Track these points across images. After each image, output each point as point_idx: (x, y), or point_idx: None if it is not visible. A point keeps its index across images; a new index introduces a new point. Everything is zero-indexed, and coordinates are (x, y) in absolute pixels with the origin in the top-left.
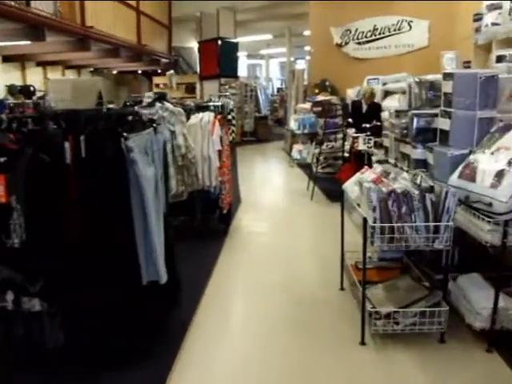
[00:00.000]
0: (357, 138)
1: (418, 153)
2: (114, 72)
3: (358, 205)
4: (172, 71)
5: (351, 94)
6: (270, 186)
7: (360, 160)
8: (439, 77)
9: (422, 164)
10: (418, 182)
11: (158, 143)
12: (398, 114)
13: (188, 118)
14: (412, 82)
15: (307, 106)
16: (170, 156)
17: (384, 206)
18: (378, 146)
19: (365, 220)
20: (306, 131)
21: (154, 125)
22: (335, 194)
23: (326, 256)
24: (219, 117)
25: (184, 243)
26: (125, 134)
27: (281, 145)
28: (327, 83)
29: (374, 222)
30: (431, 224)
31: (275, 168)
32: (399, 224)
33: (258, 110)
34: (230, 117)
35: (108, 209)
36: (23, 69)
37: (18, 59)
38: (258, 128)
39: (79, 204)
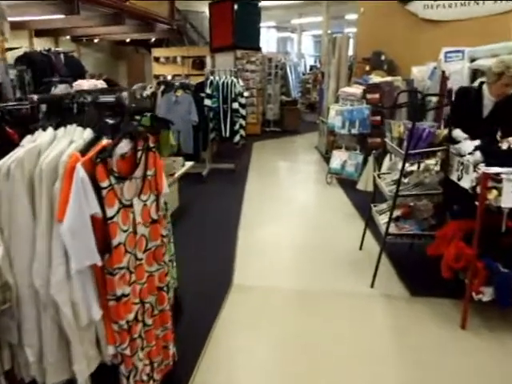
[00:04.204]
0: (498, 177)
1: None
2: (96, 40)
3: None
4: None
5: (419, 74)
6: (292, 234)
7: (494, 223)
8: None
9: None
10: None
11: None
12: None
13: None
14: None
15: (356, 90)
16: None
17: None
18: None
19: None
20: (354, 131)
21: None
22: (420, 277)
23: None
24: (101, 145)
25: None
26: None
27: (314, 139)
28: (383, 58)
29: None
30: None
31: (304, 185)
32: None
33: (285, 93)
34: (235, 105)
35: None
36: None
37: None
38: (285, 115)
39: None
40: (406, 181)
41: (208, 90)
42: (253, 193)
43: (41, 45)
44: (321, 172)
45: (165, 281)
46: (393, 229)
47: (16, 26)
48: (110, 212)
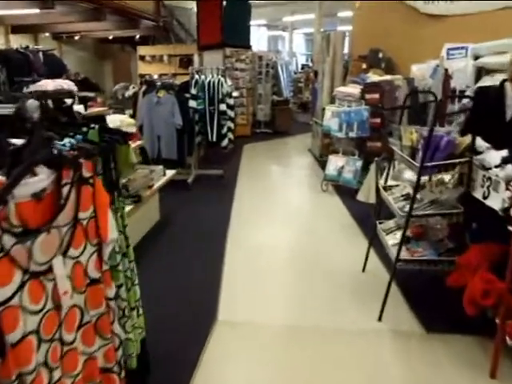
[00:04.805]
0: None
1: None
2: (77, 38)
3: None
4: None
5: (418, 72)
6: (284, 252)
7: None
8: None
9: None
10: None
11: None
12: None
13: None
14: None
15: (354, 90)
16: None
17: None
18: None
19: None
20: (352, 134)
21: None
22: (436, 309)
23: None
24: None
25: None
26: None
27: (307, 141)
28: (381, 55)
29: None
30: None
31: (298, 192)
32: None
33: (277, 92)
34: (223, 107)
35: None
36: None
37: None
38: (277, 116)
39: None
40: (418, 197)
41: (193, 91)
42: (242, 201)
43: (18, 42)
44: (314, 177)
45: (114, 359)
46: (404, 253)
47: None
48: (2, 293)
